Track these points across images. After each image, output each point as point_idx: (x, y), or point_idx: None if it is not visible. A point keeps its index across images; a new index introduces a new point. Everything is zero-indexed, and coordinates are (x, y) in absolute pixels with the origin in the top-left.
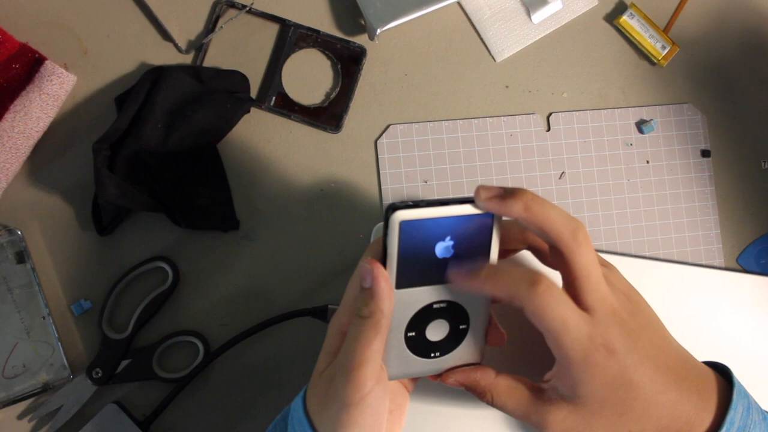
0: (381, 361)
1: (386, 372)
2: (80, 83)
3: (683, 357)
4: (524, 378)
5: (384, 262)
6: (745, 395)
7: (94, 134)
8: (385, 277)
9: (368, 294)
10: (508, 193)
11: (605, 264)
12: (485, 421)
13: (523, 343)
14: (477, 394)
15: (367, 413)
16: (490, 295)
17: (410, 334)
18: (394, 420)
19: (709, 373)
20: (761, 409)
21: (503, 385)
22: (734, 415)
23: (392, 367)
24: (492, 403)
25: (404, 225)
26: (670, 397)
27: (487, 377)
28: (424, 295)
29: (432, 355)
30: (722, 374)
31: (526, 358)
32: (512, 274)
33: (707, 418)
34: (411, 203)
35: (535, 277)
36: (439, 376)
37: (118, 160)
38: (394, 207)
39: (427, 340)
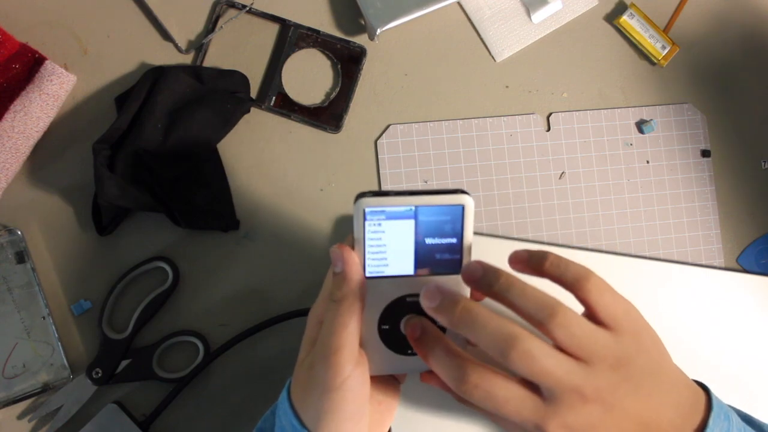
0: (358, 345)
1: (366, 360)
2: (80, 83)
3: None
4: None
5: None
6: (726, 416)
7: (94, 134)
8: (355, 261)
9: (340, 277)
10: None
11: (617, 301)
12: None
13: None
14: (459, 400)
15: (348, 398)
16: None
17: (384, 327)
18: (383, 411)
19: (700, 393)
20: (743, 423)
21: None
22: (715, 423)
23: (370, 362)
24: (476, 408)
25: (369, 213)
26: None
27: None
28: (395, 287)
29: (408, 351)
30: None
31: None
32: (488, 325)
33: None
34: (379, 192)
35: (513, 334)
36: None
37: (118, 160)
38: (361, 194)
39: (402, 335)
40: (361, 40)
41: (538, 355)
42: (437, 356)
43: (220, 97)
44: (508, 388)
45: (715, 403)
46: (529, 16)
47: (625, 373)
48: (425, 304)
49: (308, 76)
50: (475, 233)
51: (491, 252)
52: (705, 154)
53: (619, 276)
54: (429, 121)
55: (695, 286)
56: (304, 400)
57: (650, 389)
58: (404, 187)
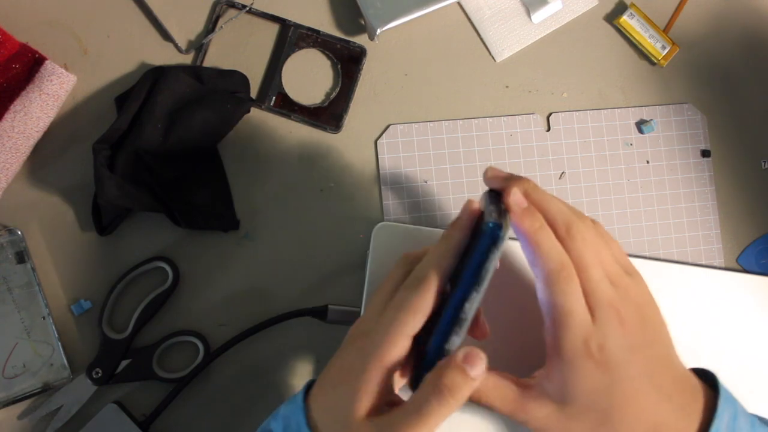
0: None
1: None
2: (80, 83)
3: (679, 376)
4: (510, 374)
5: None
6: (732, 402)
7: (94, 134)
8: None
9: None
10: (512, 177)
11: (630, 272)
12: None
13: (511, 339)
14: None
15: None
16: (520, 232)
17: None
18: None
19: (698, 387)
20: (749, 414)
21: (490, 382)
22: (719, 424)
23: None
24: (479, 402)
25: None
26: (656, 416)
27: (474, 370)
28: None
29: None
30: (710, 382)
31: (514, 355)
32: (551, 240)
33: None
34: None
35: (564, 259)
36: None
37: (118, 160)
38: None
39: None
40: (361, 40)
41: (589, 238)
42: (544, 232)
43: (220, 97)
44: (580, 297)
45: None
46: (529, 16)
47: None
48: (491, 173)
49: (308, 76)
50: None
51: None
52: (705, 154)
53: None
54: (429, 121)
55: (695, 286)
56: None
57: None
58: (404, 187)
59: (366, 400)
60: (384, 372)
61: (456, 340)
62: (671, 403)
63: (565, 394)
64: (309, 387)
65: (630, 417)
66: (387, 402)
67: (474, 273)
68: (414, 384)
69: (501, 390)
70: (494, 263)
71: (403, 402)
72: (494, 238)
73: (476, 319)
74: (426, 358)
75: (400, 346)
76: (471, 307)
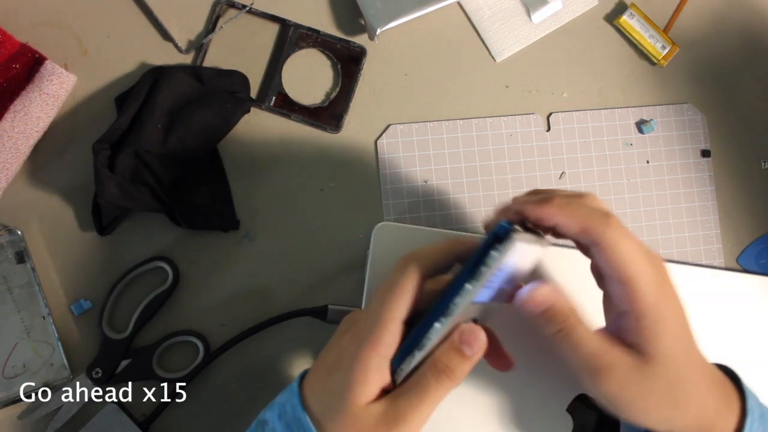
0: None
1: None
2: (80, 83)
3: (710, 365)
4: None
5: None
6: (758, 402)
7: (94, 134)
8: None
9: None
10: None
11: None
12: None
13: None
14: (554, 323)
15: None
16: (559, 226)
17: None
18: None
19: (727, 380)
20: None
21: (581, 316)
22: (752, 423)
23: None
24: (567, 336)
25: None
26: (707, 389)
27: (567, 303)
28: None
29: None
30: (732, 379)
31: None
32: (585, 206)
33: (729, 424)
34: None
35: (607, 211)
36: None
37: (118, 160)
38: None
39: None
40: (361, 40)
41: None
42: (573, 205)
43: (220, 97)
44: (638, 242)
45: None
46: (529, 16)
47: None
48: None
49: (308, 76)
50: (476, 233)
51: None
52: (705, 154)
53: None
54: (429, 121)
55: (695, 286)
56: (318, 406)
57: None
58: (404, 187)
59: (363, 385)
60: (378, 357)
61: (438, 327)
62: (715, 384)
63: (651, 347)
64: (304, 376)
65: (697, 386)
66: (383, 386)
67: (471, 268)
68: (393, 365)
69: (589, 328)
70: (498, 264)
71: (401, 385)
72: (498, 234)
73: (498, 350)
74: (405, 341)
75: (391, 329)
76: (461, 301)
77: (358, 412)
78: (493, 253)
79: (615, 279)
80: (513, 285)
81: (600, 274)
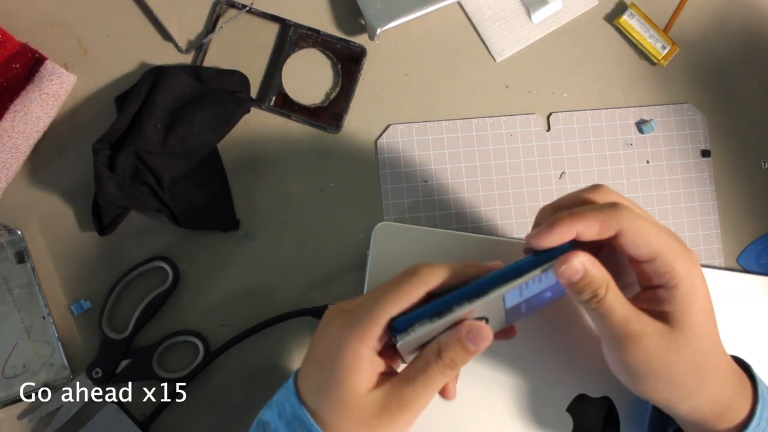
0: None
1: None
2: (80, 83)
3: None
4: None
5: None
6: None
7: (94, 134)
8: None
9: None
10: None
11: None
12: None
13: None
14: (593, 288)
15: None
16: (581, 236)
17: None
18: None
19: (739, 368)
20: None
21: (614, 282)
22: (763, 409)
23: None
24: (602, 300)
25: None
26: (724, 372)
27: (602, 271)
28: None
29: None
30: (743, 368)
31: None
32: (590, 207)
33: (743, 408)
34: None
35: (617, 201)
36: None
37: (118, 160)
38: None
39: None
40: (361, 40)
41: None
42: (582, 210)
43: (220, 97)
44: (656, 223)
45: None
46: (529, 16)
47: None
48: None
49: (308, 76)
50: (476, 233)
51: (491, 252)
52: (705, 154)
53: None
54: (429, 121)
55: None
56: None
57: None
58: (404, 187)
59: (359, 374)
60: (367, 349)
61: (466, 305)
62: (732, 371)
63: (682, 316)
64: (299, 373)
65: (720, 361)
66: (380, 372)
67: (515, 268)
68: (396, 326)
69: (620, 298)
70: (502, 292)
71: (400, 372)
72: (556, 253)
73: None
74: (421, 308)
75: (382, 324)
76: (499, 292)
77: (359, 400)
78: (546, 265)
79: (645, 257)
80: (528, 308)
81: (621, 266)
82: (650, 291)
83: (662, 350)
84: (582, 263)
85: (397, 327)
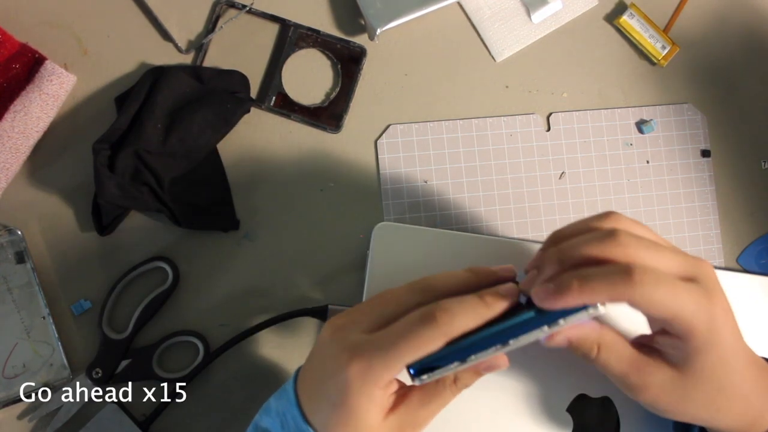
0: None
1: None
2: (80, 83)
3: (756, 355)
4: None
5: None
6: None
7: (94, 134)
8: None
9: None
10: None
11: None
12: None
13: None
14: (583, 350)
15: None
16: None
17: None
18: None
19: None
20: None
21: (609, 337)
22: None
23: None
24: (596, 359)
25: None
26: (751, 387)
27: (595, 330)
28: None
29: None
30: None
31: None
32: (600, 273)
33: None
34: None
35: (625, 267)
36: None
37: (118, 160)
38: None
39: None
40: (361, 40)
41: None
42: (591, 278)
43: (220, 97)
44: (670, 280)
45: None
46: (529, 16)
47: None
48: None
49: (308, 76)
50: (475, 233)
51: (491, 252)
52: (705, 154)
53: None
54: (429, 121)
55: None
56: (312, 403)
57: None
58: (404, 187)
59: (376, 414)
60: (384, 395)
61: (491, 350)
62: (761, 380)
63: (693, 363)
64: (297, 378)
65: (737, 385)
66: (392, 394)
67: (549, 316)
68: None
69: (619, 346)
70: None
71: (412, 396)
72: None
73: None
74: (444, 349)
75: (399, 371)
76: (528, 339)
77: (378, 430)
78: (581, 314)
79: (660, 320)
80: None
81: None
82: (666, 335)
83: (667, 394)
84: (565, 338)
85: (416, 369)
